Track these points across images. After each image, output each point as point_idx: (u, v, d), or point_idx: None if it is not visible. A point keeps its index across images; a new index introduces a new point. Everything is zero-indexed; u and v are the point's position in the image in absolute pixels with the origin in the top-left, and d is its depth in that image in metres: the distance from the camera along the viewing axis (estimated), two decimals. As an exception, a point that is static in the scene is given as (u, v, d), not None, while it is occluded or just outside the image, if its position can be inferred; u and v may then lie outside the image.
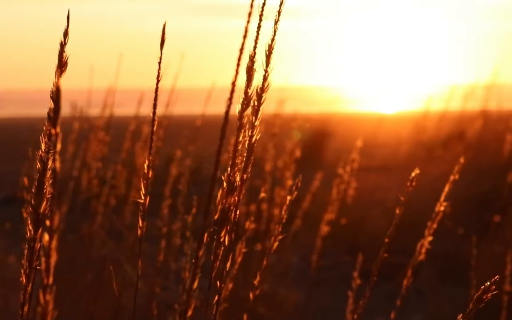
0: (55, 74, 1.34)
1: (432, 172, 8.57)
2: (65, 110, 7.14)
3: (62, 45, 1.34)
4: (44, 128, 1.32)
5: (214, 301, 1.54)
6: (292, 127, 4.94)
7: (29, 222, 1.30)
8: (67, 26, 1.33)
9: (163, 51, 1.53)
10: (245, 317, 2.00)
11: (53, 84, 1.31)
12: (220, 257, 1.44)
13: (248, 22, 1.32)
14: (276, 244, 1.95)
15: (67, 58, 1.34)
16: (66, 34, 1.34)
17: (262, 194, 4.31)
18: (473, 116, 10.53)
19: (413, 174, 1.94)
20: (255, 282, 1.93)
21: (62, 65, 1.34)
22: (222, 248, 1.44)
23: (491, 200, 5.91)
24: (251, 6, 1.32)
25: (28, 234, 1.31)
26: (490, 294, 1.42)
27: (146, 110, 4.24)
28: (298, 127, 5.07)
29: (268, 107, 4.91)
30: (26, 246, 1.33)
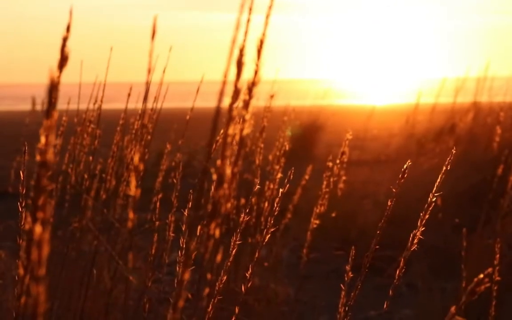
0: (57, 68, 1.34)
1: (423, 165, 8.59)
2: (60, 105, 7.12)
3: (65, 39, 1.35)
4: (43, 122, 1.32)
5: (205, 293, 1.54)
6: (283, 121, 4.94)
7: (25, 215, 1.31)
8: (70, 20, 1.33)
9: (154, 44, 1.53)
10: (236, 309, 2.00)
11: (51, 78, 1.32)
12: (209, 249, 1.44)
13: (240, 13, 1.32)
14: (268, 236, 1.95)
15: (68, 53, 1.35)
16: (68, 28, 1.34)
17: (257, 186, 4.30)
18: (464, 109, 10.55)
19: (405, 166, 1.94)
20: (247, 275, 1.92)
21: (63, 59, 1.35)
22: (212, 240, 1.44)
23: (482, 193, 5.92)
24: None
25: (27, 226, 1.32)
26: (483, 286, 1.41)
27: (134, 104, 4.23)
28: (290, 121, 5.07)
29: (259, 101, 4.91)
30: (24, 238, 1.33)
